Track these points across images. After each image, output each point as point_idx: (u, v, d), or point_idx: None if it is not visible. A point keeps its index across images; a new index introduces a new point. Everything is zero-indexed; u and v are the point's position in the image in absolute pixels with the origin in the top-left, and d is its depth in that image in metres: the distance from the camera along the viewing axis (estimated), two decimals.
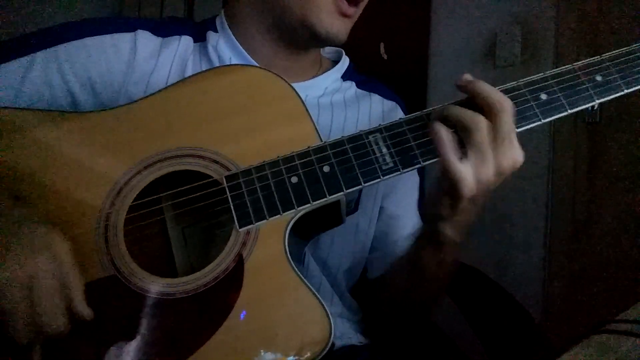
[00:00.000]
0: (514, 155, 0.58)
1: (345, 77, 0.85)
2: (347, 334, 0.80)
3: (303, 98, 0.65)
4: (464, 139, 0.58)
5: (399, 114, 0.86)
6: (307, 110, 0.64)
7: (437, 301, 0.78)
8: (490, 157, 0.57)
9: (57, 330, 0.50)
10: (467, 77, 0.60)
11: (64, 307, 0.50)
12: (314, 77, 0.82)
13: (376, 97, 0.86)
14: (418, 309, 0.80)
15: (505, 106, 0.57)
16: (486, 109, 0.57)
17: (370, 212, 0.83)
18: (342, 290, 0.82)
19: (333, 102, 0.81)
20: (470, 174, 0.57)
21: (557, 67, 0.66)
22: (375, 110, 0.85)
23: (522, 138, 0.62)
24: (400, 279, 0.76)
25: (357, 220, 0.81)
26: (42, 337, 0.50)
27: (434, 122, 0.59)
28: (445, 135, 0.57)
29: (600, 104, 0.65)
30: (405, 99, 0.91)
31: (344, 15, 0.73)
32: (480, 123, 0.57)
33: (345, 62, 0.86)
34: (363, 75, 0.88)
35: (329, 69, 0.84)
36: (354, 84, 0.86)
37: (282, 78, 0.65)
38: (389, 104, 0.87)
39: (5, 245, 0.49)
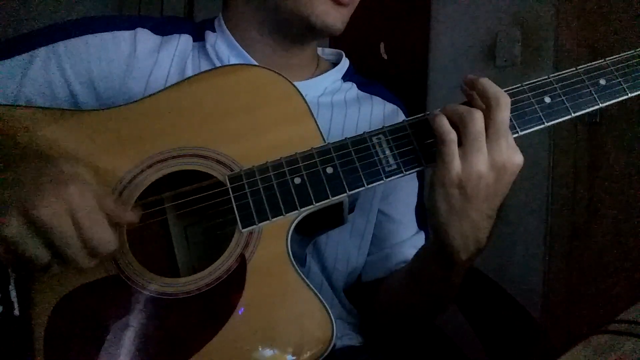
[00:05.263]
0: (510, 153, 0.58)
1: (346, 78, 0.85)
2: (346, 334, 0.80)
3: None
4: (461, 132, 0.58)
5: (400, 117, 0.85)
6: (310, 110, 0.64)
7: (440, 312, 0.77)
8: (484, 148, 0.57)
9: (110, 246, 0.52)
10: (471, 75, 0.61)
11: (107, 223, 0.52)
12: (311, 77, 0.81)
13: (378, 100, 0.85)
14: (418, 318, 0.79)
15: (501, 102, 0.57)
16: (484, 102, 0.58)
17: (368, 213, 0.82)
18: (340, 291, 0.82)
19: (333, 101, 0.81)
20: (457, 157, 0.57)
21: (557, 67, 0.66)
22: (376, 112, 0.84)
23: (523, 138, 0.62)
24: (402, 290, 0.76)
25: (353, 221, 0.80)
26: (99, 256, 0.52)
27: (436, 114, 0.59)
28: (444, 120, 0.58)
29: None
30: (405, 99, 0.91)
31: (339, 3, 0.71)
32: (475, 114, 0.57)
33: (345, 63, 0.85)
34: (364, 77, 0.88)
35: (329, 70, 0.83)
36: (354, 85, 0.85)
37: (285, 78, 0.65)
38: (391, 107, 0.86)
39: (37, 185, 0.51)
